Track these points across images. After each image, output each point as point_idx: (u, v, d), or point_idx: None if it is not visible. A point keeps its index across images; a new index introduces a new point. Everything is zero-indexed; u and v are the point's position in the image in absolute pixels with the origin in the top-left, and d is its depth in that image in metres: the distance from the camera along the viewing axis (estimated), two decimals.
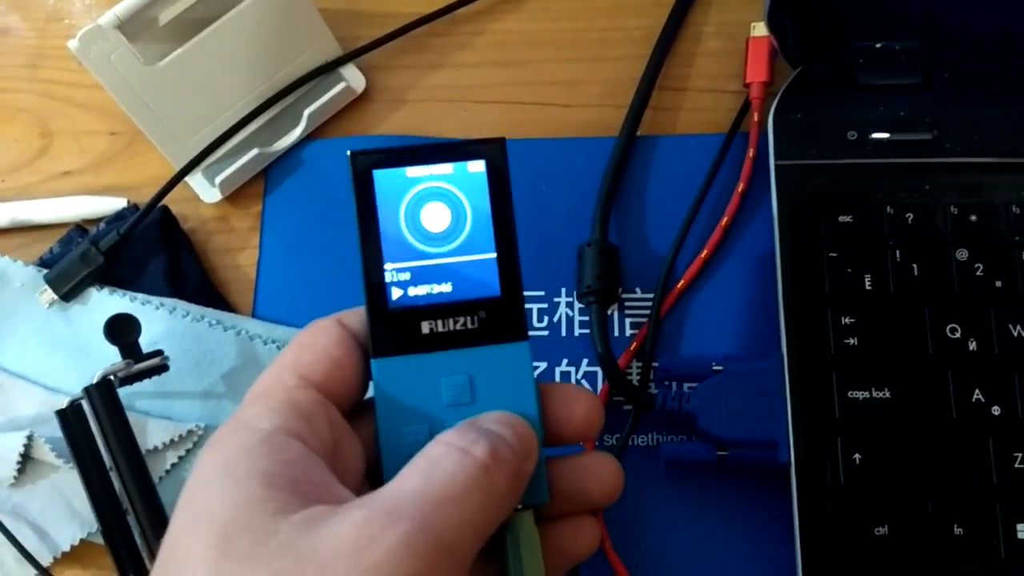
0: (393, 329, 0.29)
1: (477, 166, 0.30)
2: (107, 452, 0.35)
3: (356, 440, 0.29)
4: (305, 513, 0.24)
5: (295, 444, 0.26)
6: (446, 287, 0.30)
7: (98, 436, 0.35)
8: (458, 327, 0.29)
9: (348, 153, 0.30)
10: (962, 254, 0.37)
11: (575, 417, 0.30)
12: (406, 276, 0.30)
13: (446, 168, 0.30)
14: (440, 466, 0.25)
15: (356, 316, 0.30)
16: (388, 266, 0.29)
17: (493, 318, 0.30)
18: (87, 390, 0.35)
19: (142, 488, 0.34)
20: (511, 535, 0.28)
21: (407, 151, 0.30)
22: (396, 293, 0.29)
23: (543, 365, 0.40)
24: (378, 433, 0.29)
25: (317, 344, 0.28)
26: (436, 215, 0.30)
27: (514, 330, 0.30)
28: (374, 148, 0.30)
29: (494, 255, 0.30)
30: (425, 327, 0.29)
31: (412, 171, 0.30)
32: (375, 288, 0.29)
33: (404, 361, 0.29)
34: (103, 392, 0.34)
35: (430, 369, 0.29)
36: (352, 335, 0.29)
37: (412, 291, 0.29)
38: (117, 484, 0.36)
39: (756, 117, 0.40)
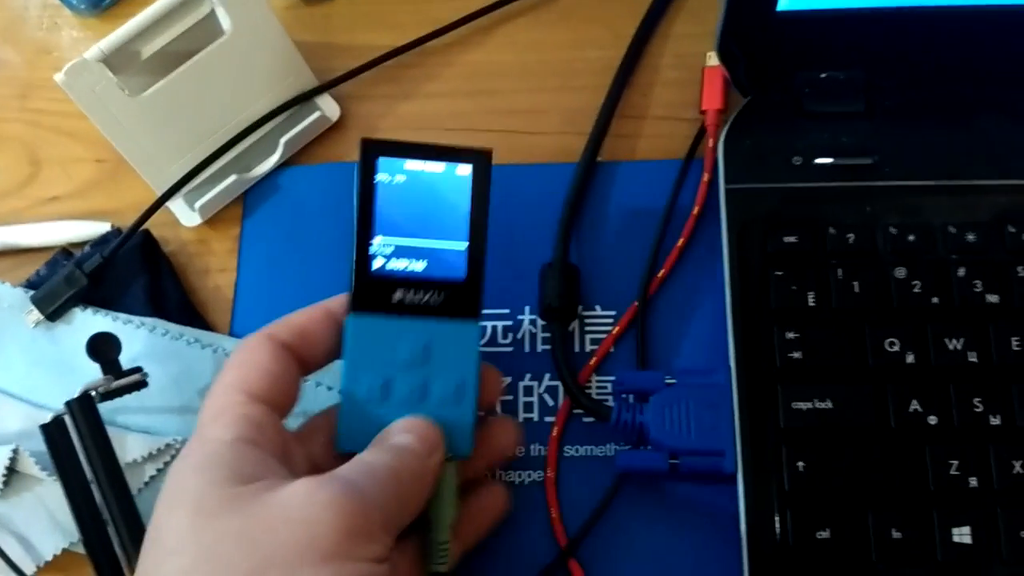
0: (370, 292, 0.35)
1: (465, 169, 0.36)
2: (88, 465, 0.36)
3: (300, 446, 0.34)
4: (264, 483, 0.29)
5: (253, 449, 0.31)
6: (420, 265, 0.35)
7: (80, 449, 0.37)
8: (424, 300, 0.35)
9: (361, 139, 0.35)
10: (900, 272, 0.39)
11: (493, 391, 0.38)
12: (389, 249, 0.35)
13: (439, 166, 0.35)
14: (366, 460, 0.31)
15: (283, 326, 0.34)
16: (377, 239, 0.35)
17: (455, 297, 0.35)
18: (68, 404, 0.37)
19: (121, 499, 0.36)
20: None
21: (409, 146, 0.36)
22: (378, 262, 0.35)
23: (508, 379, 0.41)
24: (342, 377, 0.34)
25: (255, 361, 0.33)
26: (423, 203, 0.35)
27: (470, 310, 0.35)
28: (383, 139, 0.35)
29: (466, 245, 0.35)
30: (397, 294, 0.35)
31: (410, 164, 0.35)
32: (362, 254, 0.35)
33: (375, 320, 0.35)
34: (84, 407, 0.36)
35: (395, 331, 0.35)
36: (283, 345, 0.34)
37: (392, 263, 0.35)
38: (98, 496, 0.38)
39: (711, 143, 0.43)
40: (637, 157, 0.45)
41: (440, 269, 0.35)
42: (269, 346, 0.34)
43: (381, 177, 0.35)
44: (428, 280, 0.35)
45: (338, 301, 0.35)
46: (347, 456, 0.32)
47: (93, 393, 0.37)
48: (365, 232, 0.35)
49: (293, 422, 0.35)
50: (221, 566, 0.27)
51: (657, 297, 0.42)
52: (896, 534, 0.35)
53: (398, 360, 0.35)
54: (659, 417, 0.38)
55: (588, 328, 0.42)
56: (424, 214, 0.35)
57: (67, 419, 0.37)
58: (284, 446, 0.33)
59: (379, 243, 0.35)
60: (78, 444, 0.37)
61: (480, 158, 0.36)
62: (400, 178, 0.35)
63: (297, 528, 0.28)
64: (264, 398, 0.32)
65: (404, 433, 0.33)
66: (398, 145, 0.35)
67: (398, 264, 0.35)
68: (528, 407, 0.41)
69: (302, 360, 0.34)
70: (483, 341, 0.42)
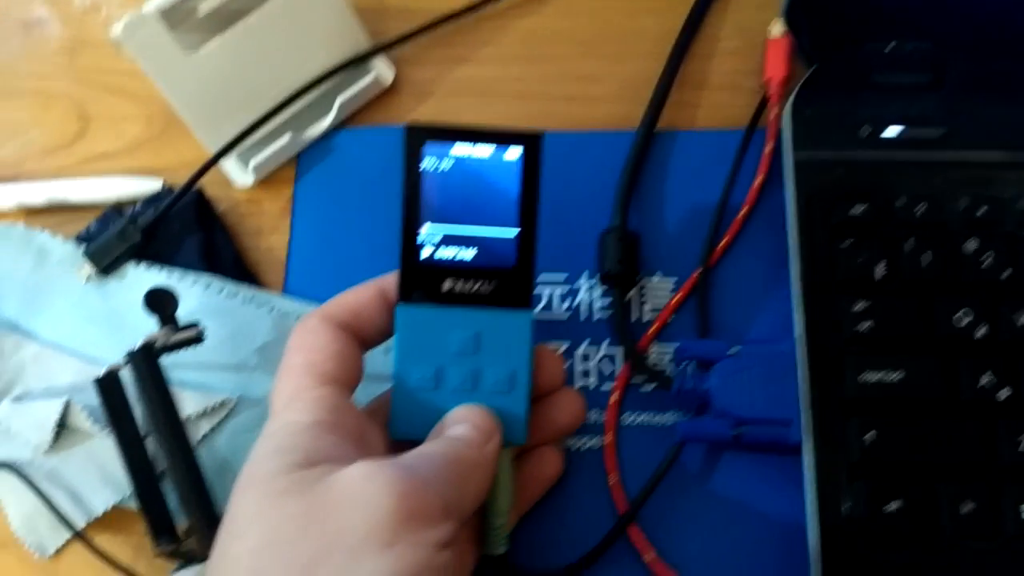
0: (419, 281, 0.34)
1: (515, 153, 0.34)
2: (147, 415, 0.36)
3: (376, 428, 0.34)
4: (327, 466, 0.29)
5: (330, 434, 0.31)
6: (470, 253, 0.34)
7: (138, 400, 0.36)
8: (474, 289, 0.34)
9: (404, 124, 0.34)
10: (971, 244, 0.38)
11: (554, 375, 0.37)
12: (437, 238, 0.34)
13: (488, 150, 0.34)
14: (422, 448, 0.31)
15: (337, 306, 0.34)
16: (424, 227, 0.34)
17: (505, 286, 0.34)
18: (130, 355, 0.36)
19: (180, 449, 0.35)
20: None
21: (456, 130, 0.34)
22: (427, 251, 0.34)
23: (565, 345, 0.41)
24: (393, 365, 0.34)
25: (318, 343, 0.33)
26: (472, 190, 0.34)
27: (522, 299, 0.34)
28: (428, 123, 0.34)
29: (516, 232, 0.34)
30: (446, 284, 0.34)
31: (458, 148, 0.34)
32: (410, 243, 0.34)
33: (424, 310, 0.34)
34: (145, 357, 0.36)
35: (445, 321, 0.34)
36: (340, 324, 0.34)
37: (440, 252, 0.34)
38: (152, 448, 0.38)
39: (774, 112, 0.42)
40: (696, 126, 0.44)
41: (489, 257, 0.34)
42: (328, 326, 0.33)
43: (427, 163, 0.34)
44: (477, 268, 0.34)
45: (391, 280, 0.35)
46: (403, 444, 0.32)
47: (153, 345, 0.36)
48: (412, 220, 0.34)
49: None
50: (284, 550, 0.27)
51: (718, 266, 0.41)
52: (966, 507, 0.35)
53: (449, 349, 0.34)
54: (724, 385, 0.37)
55: (647, 296, 0.41)
56: (472, 200, 0.34)
57: (126, 370, 0.37)
58: (360, 427, 0.32)
59: (427, 231, 0.34)
60: (137, 394, 0.36)
61: (530, 141, 0.34)
62: (447, 163, 0.34)
63: (357, 511, 0.27)
64: (333, 378, 0.32)
65: (460, 423, 0.33)
66: (444, 130, 0.34)
67: (446, 253, 0.34)
68: (585, 374, 0.40)
69: (358, 339, 0.34)
70: (539, 307, 0.41)
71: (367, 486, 0.28)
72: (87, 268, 0.41)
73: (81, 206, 0.44)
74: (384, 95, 0.45)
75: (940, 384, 0.36)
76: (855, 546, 0.35)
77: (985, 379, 0.36)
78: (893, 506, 0.35)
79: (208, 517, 0.35)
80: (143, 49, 0.40)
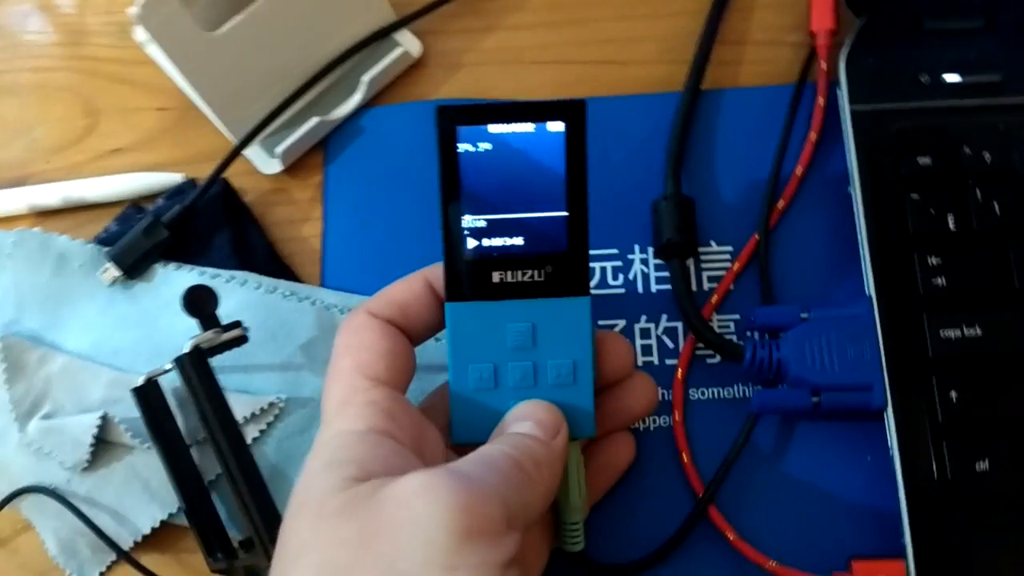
0: (467, 276, 0.32)
1: (556, 126, 0.31)
2: (200, 419, 0.34)
3: (433, 428, 0.32)
4: (383, 479, 0.27)
5: (387, 441, 0.29)
6: (518, 240, 0.32)
7: (182, 407, 0.34)
8: (526, 279, 0.32)
9: (435, 107, 0.31)
10: None
11: (623, 361, 0.34)
12: (482, 228, 0.31)
13: (527, 127, 0.31)
14: (483, 451, 0.29)
15: (383, 301, 0.32)
16: (466, 218, 0.31)
17: (559, 273, 0.32)
18: (178, 360, 0.34)
19: (240, 456, 0.33)
20: None
21: (490, 108, 0.32)
22: (471, 243, 0.32)
23: (621, 322, 0.39)
24: (449, 367, 0.32)
25: (366, 343, 0.31)
26: (514, 171, 0.32)
27: (578, 285, 0.32)
28: (459, 104, 0.30)
29: (565, 214, 0.32)
30: (496, 276, 0.32)
31: (494, 128, 0.31)
32: (453, 237, 0.31)
33: (475, 307, 0.32)
34: (195, 361, 0.33)
35: (498, 315, 0.32)
36: (387, 321, 0.32)
37: (486, 242, 0.32)
38: (197, 460, 0.36)
39: (824, 65, 0.40)
40: (740, 84, 0.42)
41: (539, 243, 0.31)
42: (376, 324, 0.31)
43: (463, 147, 0.31)
44: (528, 256, 0.31)
45: (437, 270, 0.32)
46: (464, 448, 0.30)
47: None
48: (453, 211, 0.31)
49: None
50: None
51: (777, 229, 0.40)
52: None
53: (505, 346, 0.32)
54: (799, 353, 0.35)
55: (704, 266, 0.40)
56: (516, 183, 0.31)
57: (163, 378, 0.35)
58: (417, 429, 0.30)
59: (469, 222, 0.31)
60: (180, 397, 0.34)
61: (573, 111, 0.31)
62: (485, 145, 0.31)
63: (413, 532, 0.25)
64: (386, 379, 0.30)
65: (522, 420, 0.31)
66: (478, 109, 0.31)
67: (493, 242, 0.31)
68: (647, 350, 0.39)
69: (408, 335, 0.32)
70: (593, 283, 0.39)
71: (423, 500, 0.26)
72: (112, 271, 0.39)
73: (98, 205, 0.42)
74: (412, 70, 0.43)
75: (1022, 337, 0.35)
76: (945, 510, 0.34)
77: None
78: (982, 466, 0.34)
79: (272, 525, 0.33)
80: (162, 30, 0.37)
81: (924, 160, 0.37)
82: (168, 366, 0.34)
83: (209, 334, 0.34)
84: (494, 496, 0.26)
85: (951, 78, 0.38)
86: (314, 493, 0.27)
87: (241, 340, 0.36)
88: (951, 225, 0.36)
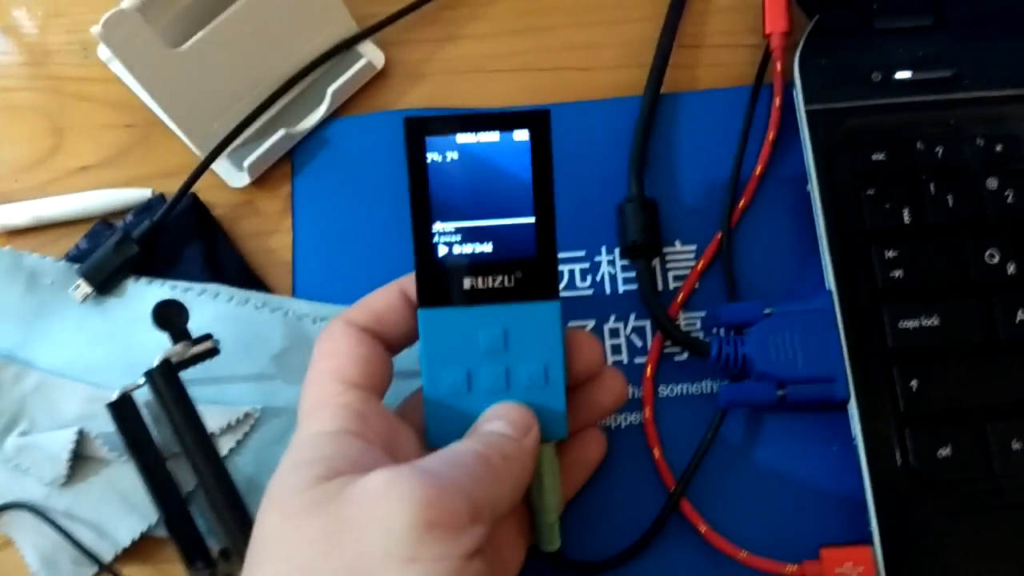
0: (438, 283, 0.32)
1: (522, 135, 0.32)
2: (173, 435, 0.34)
3: (408, 430, 0.32)
4: (349, 476, 0.27)
5: (356, 441, 0.29)
6: (488, 247, 0.32)
7: (157, 421, 0.34)
8: (496, 284, 0.32)
9: (403, 119, 0.32)
10: (992, 183, 0.38)
11: (592, 359, 0.34)
12: (452, 236, 0.32)
13: (493, 136, 0.32)
14: (451, 448, 0.30)
15: (360, 312, 0.33)
16: (436, 226, 0.32)
17: (529, 278, 0.32)
18: (148, 374, 0.34)
19: (212, 467, 0.33)
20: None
21: (457, 119, 0.33)
22: (442, 250, 0.32)
23: (591, 323, 0.40)
24: (423, 373, 0.32)
25: (341, 349, 0.32)
26: (482, 180, 0.32)
27: (547, 289, 0.32)
28: (427, 115, 0.31)
29: (533, 220, 0.32)
30: (467, 283, 0.32)
31: (461, 137, 0.32)
32: (424, 245, 0.32)
33: (447, 312, 0.32)
34: (165, 374, 0.34)
35: (470, 321, 0.32)
36: (364, 328, 0.32)
37: (457, 249, 0.32)
38: (179, 468, 0.36)
39: (779, 67, 0.41)
40: (699, 87, 0.43)
41: (509, 249, 0.32)
42: (351, 331, 0.32)
43: (432, 157, 0.32)
44: (498, 262, 0.32)
45: (413, 279, 0.33)
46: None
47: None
48: (423, 220, 0.32)
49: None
50: (304, 575, 0.26)
51: (739, 227, 0.40)
52: (1016, 445, 0.35)
53: (477, 350, 0.32)
54: (763, 347, 0.36)
55: (670, 265, 0.40)
56: (484, 191, 0.32)
57: (138, 392, 0.35)
58: (390, 431, 0.31)
59: (439, 230, 0.32)
60: (154, 411, 0.34)
61: (537, 120, 0.32)
62: (452, 155, 0.32)
63: (375, 527, 0.26)
64: (360, 384, 0.31)
65: (494, 420, 0.31)
66: (445, 120, 0.32)
67: (463, 249, 0.32)
68: (616, 349, 0.39)
69: (384, 343, 0.33)
70: (561, 285, 0.40)
71: (385, 497, 0.26)
72: (83, 287, 0.39)
73: (68, 222, 0.42)
74: (376, 80, 0.44)
75: (978, 325, 0.36)
76: (910, 496, 0.35)
77: (1022, 316, 0.36)
78: (944, 452, 0.35)
79: (247, 535, 0.34)
80: (124, 47, 0.37)
81: (878, 156, 0.38)
82: (141, 381, 0.35)
83: (178, 347, 0.35)
84: (456, 490, 0.27)
85: (902, 75, 0.39)
86: (281, 491, 0.28)
87: (212, 352, 0.36)
88: (906, 219, 0.37)
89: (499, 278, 0.32)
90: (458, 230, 0.32)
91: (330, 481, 0.27)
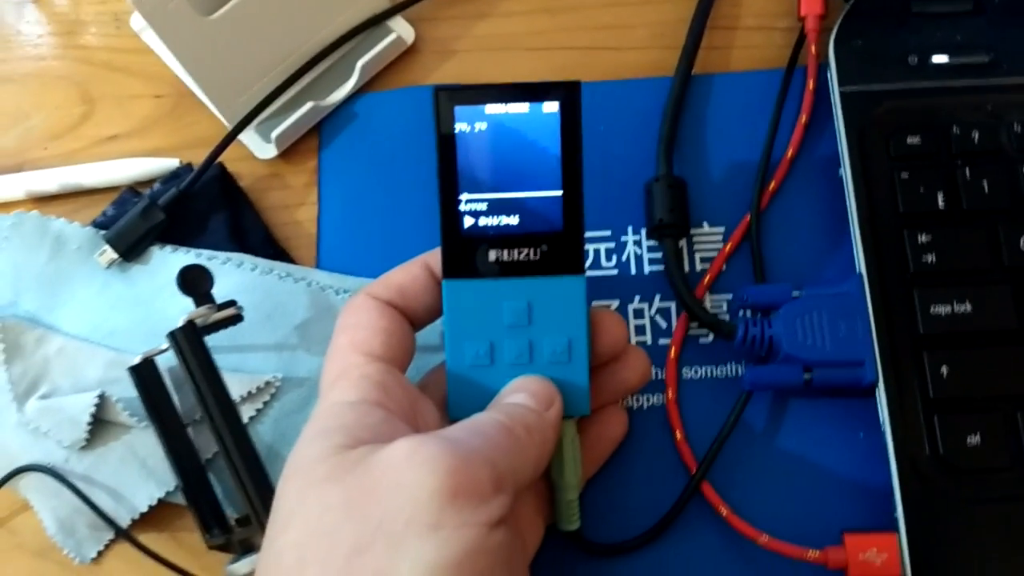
0: (464, 254, 0.32)
1: (552, 107, 0.32)
2: (195, 395, 0.34)
3: (428, 400, 0.32)
4: (370, 446, 0.27)
5: (377, 410, 0.29)
6: (514, 219, 0.32)
7: (178, 385, 0.34)
8: (522, 258, 0.32)
9: (433, 88, 0.32)
10: None
11: (617, 338, 0.34)
12: (478, 207, 0.32)
13: (523, 107, 0.32)
14: (474, 418, 0.30)
15: (383, 286, 0.33)
16: (463, 196, 0.32)
17: (554, 252, 0.32)
18: (172, 335, 0.34)
19: (235, 432, 0.33)
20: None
21: (487, 89, 0.32)
22: (468, 222, 0.32)
23: (615, 303, 0.39)
24: (446, 344, 0.32)
25: (363, 321, 0.31)
26: (510, 151, 0.32)
27: (573, 264, 0.32)
28: (456, 85, 0.30)
29: (560, 193, 0.32)
30: (492, 255, 0.32)
31: (491, 108, 0.32)
32: (450, 216, 0.32)
33: (471, 284, 0.32)
34: (189, 336, 0.34)
35: (494, 293, 0.32)
36: (387, 302, 0.32)
37: (483, 221, 0.32)
38: (194, 434, 0.36)
39: (813, 49, 0.41)
40: (731, 69, 0.43)
41: (535, 222, 0.32)
42: (373, 304, 0.32)
43: (460, 127, 0.32)
44: (524, 235, 0.32)
45: (437, 254, 0.33)
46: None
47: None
48: (450, 190, 0.32)
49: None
50: (325, 542, 0.26)
51: (768, 210, 0.40)
52: None
53: (501, 323, 0.32)
54: (791, 329, 0.36)
55: (697, 247, 0.40)
56: (512, 163, 0.32)
57: (160, 358, 0.35)
58: (411, 403, 0.31)
59: (466, 200, 0.32)
60: (176, 377, 0.34)
61: (568, 91, 0.32)
62: (481, 126, 0.32)
63: (399, 493, 0.26)
64: (382, 355, 0.31)
65: (516, 392, 0.31)
66: (475, 89, 0.32)
67: (489, 221, 0.32)
68: (640, 330, 0.39)
69: (407, 317, 0.33)
70: (586, 264, 0.40)
71: (409, 464, 0.26)
72: (108, 253, 0.39)
73: (95, 190, 0.42)
74: (405, 56, 0.43)
75: (1011, 311, 0.35)
76: (937, 484, 0.34)
77: None
78: (973, 440, 0.34)
79: (268, 503, 0.33)
80: (157, 14, 0.37)
81: (913, 140, 0.37)
82: (164, 345, 0.35)
83: (203, 310, 0.34)
84: (480, 459, 0.27)
85: (939, 59, 0.39)
86: (303, 460, 0.28)
87: (236, 319, 0.36)
88: (940, 203, 0.37)
89: (524, 251, 0.32)
90: (485, 202, 0.32)
91: (353, 449, 0.27)
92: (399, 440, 0.27)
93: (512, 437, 0.29)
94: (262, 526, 0.33)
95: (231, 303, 0.36)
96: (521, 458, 0.29)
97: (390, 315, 0.32)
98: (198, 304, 0.35)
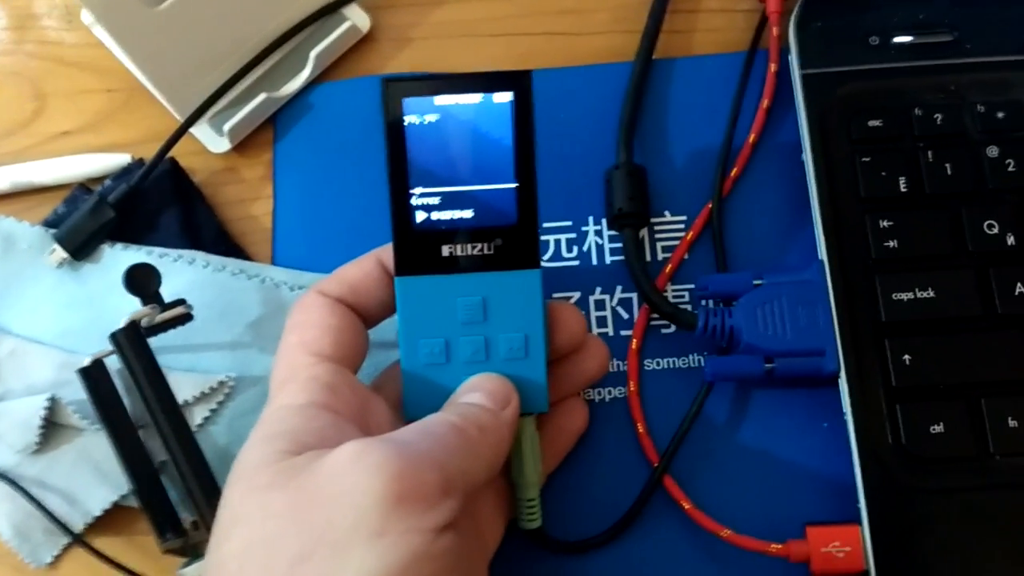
0: (416, 250, 0.31)
1: (503, 97, 0.31)
2: (140, 401, 0.33)
3: (381, 400, 0.31)
4: (315, 452, 0.27)
5: (325, 414, 0.29)
6: (467, 213, 0.31)
7: (127, 388, 0.34)
8: (475, 252, 0.31)
9: (381, 80, 0.31)
10: (992, 151, 0.36)
11: (575, 332, 0.33)
12: (430, 201, 0.31)
13: (474, 98, 0.31)
14: (425, 420, 0.29)
15: (334, 282, 0.32)
16: (414, 191, 0.31)
17: (509, 246, 0.31)
18: (114, 336, 0.33)
19: (180, 436, 0.33)
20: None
21: (437, 80, 0.32)
22: (420, 216, 0.31)
23: (576, 294, 0.39)
24: (400, 343, 0.31)
25: (313, 320, 0.31)
26: (461, 143, 0.31)
27: (528, 258, 0.31)
28: (405, 76, 0.30)
29: (514, 185, 0.31)
30: (445, 250, 0.31)
31: (440, 99, 0.31)
32: (401, 211, 0.31)
33: (424, 281, 0.31)
34: (130, 336, 0.33)
35: (448, 289, 0.31)
36: (337, 299, 0.32)
37: (435, 215, 0.31)
38: (147, 436, 0.35)
39: (775, 32, 0.40)
40: (692, 52, 0.42)
41: (489, 216, 0.31)
42: (324, 302, 0.31)
43: (410, 120, 0.31)
44: (477, 229, 0.31)
45: (390, 249, 0.32)
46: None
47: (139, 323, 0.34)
48: (400, 185, 0.31)
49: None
50: (269, 549, 0.25)
51: (730, 197, 0.39)
52: (1012, 422, 0.33)
53: (455, 320, 0.31)
54: (751, 319, 0.35)
55: (659, 236, 0.39)
56: (464, 155, 0.31)
57: (112, 359, 0.34)
58: (362, 405, 0.30)
59: (417, 195, 0.31)
60: (126, 379, 0.34)
61: (519, 80, 0.31)
62: (431, 117, 0.31)
63: (343, 501, 0.25)
64: (331, 355, 0.30)
65: (472, 391, 0.31)
66: (424, 80, 0.31)
67: (442, 216, 0.31)
68: (601, 321, 0.38)
69: (360, 314, 0.32)
70: (547, 256, 0.39)
71: (354, 470, 0.25)
72: (58, 253, 0.38)
73: (47, 188, 0.41)
74: (361, 44, 0.43)
75: (975, 298, 0.35)
76: (899, 475, 0.33)
77: (1020, 289, 0.35)
78: (936, 429, 0.34)
79: (216, 508, 0.33)
80: (103, 5, 0.36)
81: (875, 123, 0.37)
82: (112, 346, 0.34)
83: (146, 309, 0.34)
84: (428, 462, 0.26)
85: (901, 39, 0.38)
86: (247, 466, 0.27)
87: (185, 318, 0.35)
88: (902, 187, 0.36)
89: (478, 246, 0.31)
90: (436, 195, 0.31)
91: (298, 455, 0.27)
92: (344, 444, 0.26)
93: (464, 438, 0.28)
94: (209, 531, 0.32)
95: (180, 302, 0.35)
96: (474, 459, 0.28)
97: (341, 313, 0.31)
98: (145, 303, 0.35)
